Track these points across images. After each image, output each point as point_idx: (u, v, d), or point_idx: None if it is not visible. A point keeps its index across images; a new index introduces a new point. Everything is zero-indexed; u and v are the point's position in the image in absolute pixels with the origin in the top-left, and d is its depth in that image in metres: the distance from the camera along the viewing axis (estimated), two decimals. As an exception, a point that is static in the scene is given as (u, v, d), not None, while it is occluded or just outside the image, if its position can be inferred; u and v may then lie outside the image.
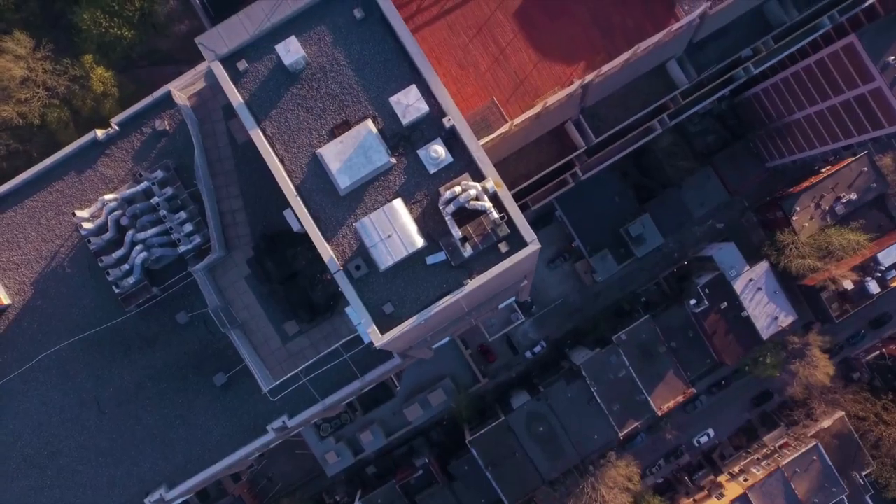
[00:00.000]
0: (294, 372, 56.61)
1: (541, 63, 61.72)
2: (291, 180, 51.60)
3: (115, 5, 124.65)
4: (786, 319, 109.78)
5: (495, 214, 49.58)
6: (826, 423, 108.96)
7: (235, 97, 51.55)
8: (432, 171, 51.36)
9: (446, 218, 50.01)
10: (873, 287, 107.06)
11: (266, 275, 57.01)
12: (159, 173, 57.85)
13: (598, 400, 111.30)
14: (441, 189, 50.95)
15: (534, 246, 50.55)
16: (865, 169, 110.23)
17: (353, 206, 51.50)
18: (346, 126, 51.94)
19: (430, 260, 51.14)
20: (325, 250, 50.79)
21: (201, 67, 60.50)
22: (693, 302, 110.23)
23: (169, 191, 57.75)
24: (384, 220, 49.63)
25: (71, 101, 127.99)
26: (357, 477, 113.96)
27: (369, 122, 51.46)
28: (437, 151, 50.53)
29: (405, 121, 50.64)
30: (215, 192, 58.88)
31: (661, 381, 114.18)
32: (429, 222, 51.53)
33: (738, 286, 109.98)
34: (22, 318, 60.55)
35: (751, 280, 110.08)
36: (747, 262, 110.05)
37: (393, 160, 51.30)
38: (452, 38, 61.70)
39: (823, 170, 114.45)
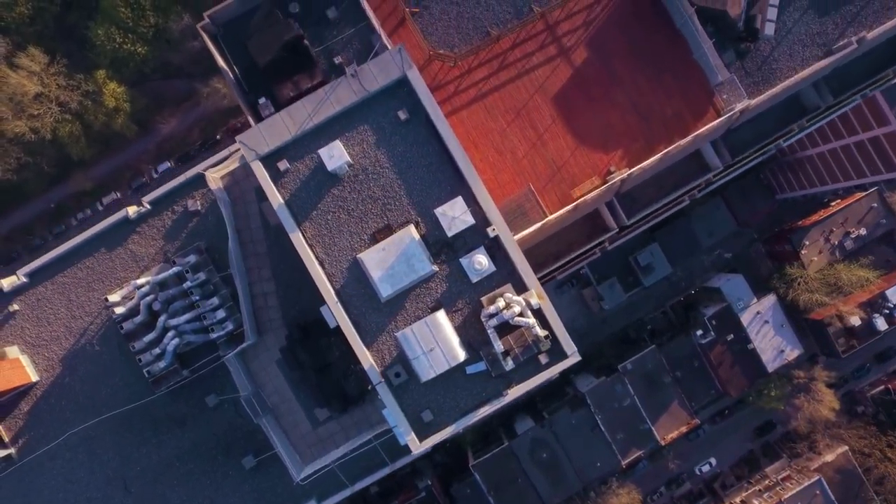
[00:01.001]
0: (325, 461, 55.14)
1: (578, 150, 59.72)
2: (331, 284, 49.85)
3: (129, 21, 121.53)
4: (792, 353, 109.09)
5: (540, 332, 48.03)
6: (829, 458, 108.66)
7: (276, 198, 49.57)
8: (474, 279, 49.74)
9: (488, 331, 48.60)
10: (881, 324, 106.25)
11: (299, 365, 55.35)
12: (192, 258, 55.92)
13: (602, 428, 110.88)
14: (483, 300, 49.43)
15: (574, 358, 49.19)
16: (875, 205, 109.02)
17: (394, 313, 49.88)
18: (388, 230, 50.10)
19: (470, 370, 49.81)
20: (365, 357, 49.29)
21: (235, 148, 58.25)
22: (699, 333, 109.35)
23: (201, 276, 55.88)
24: (427, 332, 48.08)
25: (83, 115, 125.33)
26: (360, 497, 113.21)
27: (412, 228, 49.64)
28: (481, 262, 48.93)
29: (450, 233, 48.97)
30: (247, 274, 57.02)
31: (665, 411, 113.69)
32: (469, 331, 50.04)
33: (745, 318, 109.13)
34: (50, 395, 58.96)
35: (758, 313, 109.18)
36: (755, 294, 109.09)
37: (435, 268, 49.72)
38: (490, 122, 59.51)
39: (833, 203, 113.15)
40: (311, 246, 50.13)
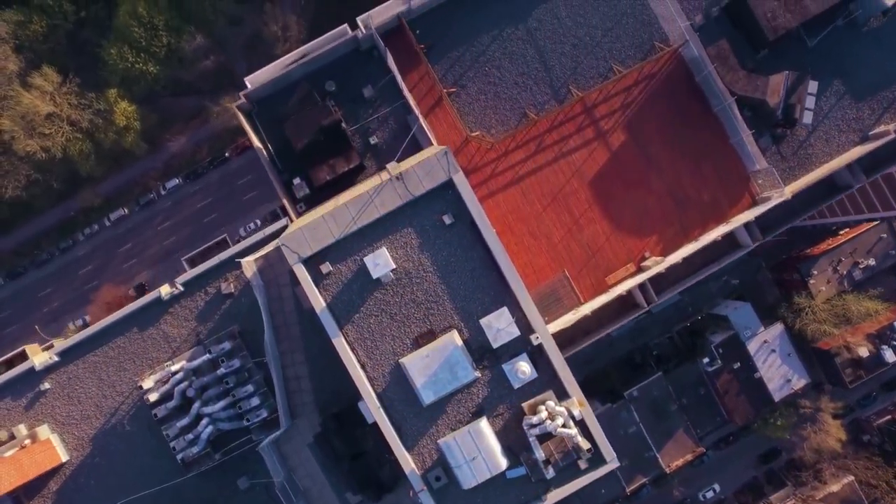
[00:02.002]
0: (358, 550, 54.41)
1: (614, 235, 58.69)
2: (373, 388, 48.92)
3: (142, 41, 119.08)
4: (798, 382, 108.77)
5: (582, 443, 47.25)
6: (835, 488, 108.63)
7: (318, 301, 48.32)
8: (516, 385, 48.93)
9: (530, 439, 47.85)
10: (889, 356, 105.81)
11: (334, 452, 54.36)
12: (226, 345, 54.74)
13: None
14: (525, 406, 48.64)
15: (613, 464, 48.40)
16: (885, 235, 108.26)
17: (435, 418, 49.08)
18: (430, 335, 49.02)
19: (510, 474, 49.21)
20: (406, 462, 48.62)
21: (270, 230, 56.87)
22: (706, 360, 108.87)
23: (236, 363, 54.74)
24: (470, 441, 47.26)
25: (93, 133, 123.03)
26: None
27: (455, 335, 48.57)
28: (524, 371, 48.03)
29: (496, 344, 48.11)
30: (280, 357, 55.74)
31: (671, 439, 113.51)
32: (510, 436, 49.30)
33: (751, 347, 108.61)
34: (79, 475, 57.93)
35: (765, 342, 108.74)
36: (762, 322, 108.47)
37: (477, 374, 48.75)
38: (526, 206, 58.34)
39: (842, 232, 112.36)
40: (353, 349, 49.00)
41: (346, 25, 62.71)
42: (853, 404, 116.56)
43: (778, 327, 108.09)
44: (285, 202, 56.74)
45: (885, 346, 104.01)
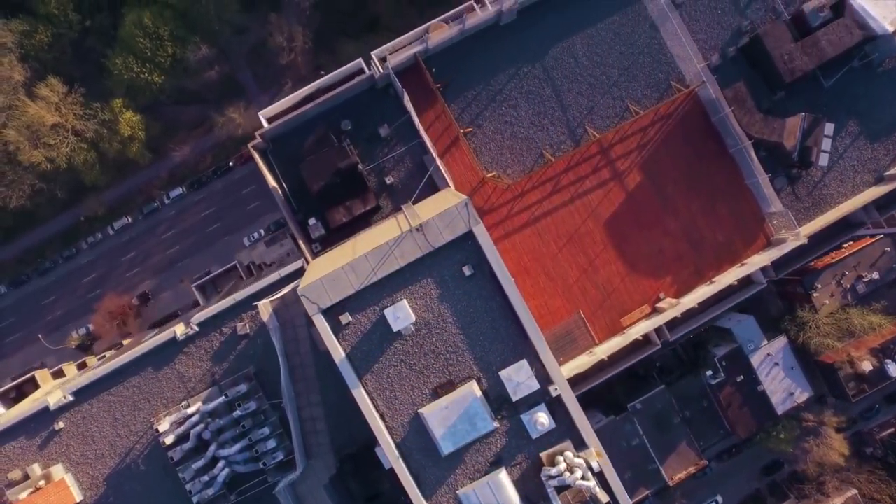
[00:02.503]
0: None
1: (629, 276, 58.42)
2: (392, 437, 48.58)
3: (147, 52, 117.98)
4: (801, 395, 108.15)
5: (600, 496, 47.15)
6: (838, 501, 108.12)
7: (337, 352, 48.02)
8: (535, 436, 48.74)
9: (548, 490, 47.62)
10: (893, 370, 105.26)
11: (349, 494, 54.13)
12: (242, 387, 54.38)
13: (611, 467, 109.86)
14: (543, 456, 48.46)
15: (631, 514, 48.12)
16: (889, 249, 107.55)
17: (454, 467, 48.87)
18: (450, 386, 48.76)
19: (528, 525, 48.55)
20: (424, 511, 47.93)
21: (286, 271, 56.40)
22: (709, 373, 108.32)
23: (252, 405, 54.44)
24: (489, 493, 47.28)
25: (98, 143, 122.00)
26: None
27: (474, 385, 48.35)
28: (542, 421, 48.03)
29: (515, 398, 47.92)
30: (296, 398, 55.41)
31: (674, 452, 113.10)
32: (528, 485, 49.20)
33: (755, 360, 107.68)
34: (94, 515, 57.29)
35: (768, 355, 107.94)
36: (765, 335, 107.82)
37: (496, 424, 48.41)
38: (542, 247, 58.01)
39: (845, 246, 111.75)
40: (372, 399, 48.65)
41: (360, 61, 62.14)
42: (856, 417, 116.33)
43: (781, 340, 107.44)
44: (300, 243, 56.15)
45: (888, 361, 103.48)
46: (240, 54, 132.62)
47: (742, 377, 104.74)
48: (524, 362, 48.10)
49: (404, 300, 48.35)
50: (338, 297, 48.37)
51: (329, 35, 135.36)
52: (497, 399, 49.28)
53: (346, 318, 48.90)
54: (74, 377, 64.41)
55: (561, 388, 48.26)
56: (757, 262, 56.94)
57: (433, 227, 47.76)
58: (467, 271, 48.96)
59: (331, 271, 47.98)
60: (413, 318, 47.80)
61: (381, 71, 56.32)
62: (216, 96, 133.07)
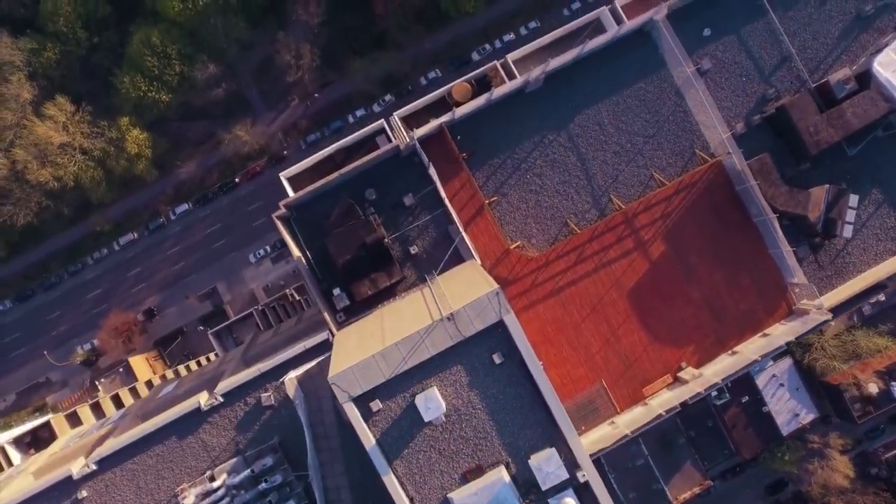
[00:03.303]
0: None
1: (651, 345, 58.34)
2: (421, 523, 48.28)
3: (155, 70, 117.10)
4: (807, 416, 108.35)
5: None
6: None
7: (368, 439, 47.96)
8: (563, 520, 48.41)
9: (576, 574, 47.44)
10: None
11: (374, 568, 54.16)
12: (268, 460, 54.32)
13: (615, 487, 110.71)
14: (571, 542, 48.14)
15: None
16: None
17: (482, 551, 48.52)
18: (478, 471, 48.88)
19: None
20: None
21: (311, 343, 56.23)
22: (714, 394, 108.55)
23: (277, 478, 54.39)
24: (517, 579, 46.92)
25: (105, 161, 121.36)
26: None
27: (503, 470, 48.42)
28: (571, 507, 47.61)
29: (544, 486, 47.98)
30: (320, 468, 55.34)
31: (679, 472, 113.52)
32: (555, 568, 48.86)
33: (760, 381, 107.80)
34: (117, 584, 57.27)
35: (774, 376, 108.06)
36: (771, 357, 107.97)
37: (525, 509, 48.22)
38: (565, 317, 57.82)
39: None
40: (402, 485, 48.51)
41: (383, 122, 61.71)
42: (861, 437, 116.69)
43: (786, 361, 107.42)
44: (325, 314, 55.74)
45: (894, 383, 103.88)
46: (246, 71, 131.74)
47: (747, 398, 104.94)
48: (553, 451, 48.21)
49: (434, 387, 48.26)
50: (369, 386, 48.21)
51: (336, 51, 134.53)
52: (525, 483, 49.35)
53: (376, 405, 48.78)
54: (93, 437, 64.07)
55: (589, 475, 48.39)
56: (779, 334, 56.68)
57: (464, 317, 47.50)
58: (497, 359, 48.82)
59: (361, 360, 47.74)
60: (444, 406, 47.76)
61: (407, 139, 55.64)
62: (222, 112, 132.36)
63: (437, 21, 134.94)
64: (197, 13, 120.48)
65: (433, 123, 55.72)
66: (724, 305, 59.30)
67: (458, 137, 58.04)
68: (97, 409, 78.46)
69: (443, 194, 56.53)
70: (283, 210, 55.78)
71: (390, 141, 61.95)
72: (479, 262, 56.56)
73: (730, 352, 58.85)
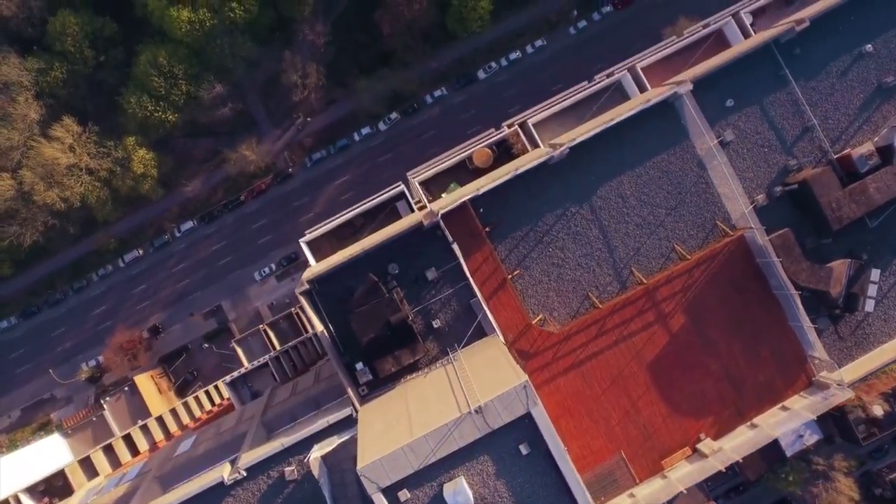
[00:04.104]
0: None
1: (670, 417, 58.52)
2: None
3: (161, 90, 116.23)
4: (811, 438, 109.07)
5: None
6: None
7: (393, 524, 47.77)
8: None
9: None
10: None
11: None
12: (293, 537, 54.14)
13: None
14: None
15: None
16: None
17: None
18: (504, 559, 48.67)
19: None
20: None
21: (334, 419, 56.26)
22: None
23: (301, 554, 54.14)
24: None
25: (111, 181, 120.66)
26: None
27: (528, 559, 48.27)
28: None
29: (571, 577, 47.63)
30: (343, 541, 55.48)
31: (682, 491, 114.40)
32: None
33: None
34: None
35: None
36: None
37: None
38: (585, 389, 57.92)
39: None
40: (427, 572, 48.59)
41: (402, 186, 61.39)
42: (864, 457, 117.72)
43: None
44: (348, 388, 55.67)
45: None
46: (252, 88, 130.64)
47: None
48: (581, 551, 48.16)
49: (462, 476, 48.36)
50: (397, 477, 48.31)
51: (342, 68, 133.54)
52: (550, 574, 49.44)
53: (404, 494, 48.90)
54: (112, 497, 63.95)
55: (614, 565, 48.42)
56: (799, 409, 56.86)
57: (492, 410, 47.54)
58: (524, 449, 48.95)
59: (390, 451, 47.71)
60: (471, 496, 47.94)
61: (431, 219, 55.33)
62: (228, 129, 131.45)
63: (443, 39, 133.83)
64: (204, 33, 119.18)
65: (457, 197, 55.23)
66: (743, 376, 59.41)
67: (481, 210, 57.75)
68: (110, 453, 78.17)
69: (466, 270, 56.16)
70: (305, 286, 55.20)
71: (410, 207, 61.51)
72: (501, 337, 56.31)
73: (749, 423, 58.68)
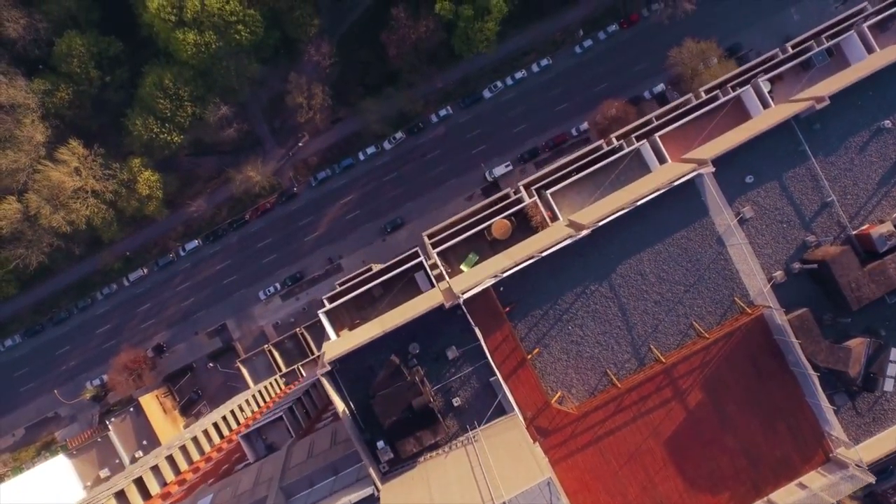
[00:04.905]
0: None
1: (687, 493, 59.00)
2: None
3: (167, 112, 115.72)
4: None
5: None
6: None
7: None
8: None
9: None
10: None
11: None
12: None
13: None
14: None
15: None
16: None
17: None
18: None
19: None
20: None
21: (355, 498, 56.41)
22: None
23: None
24: None
25: (116, 203, 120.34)
26: None
27: None
28: None
29: None
30: None
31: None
32: None
33: None
34: None
35: None
36: None
37: None
38: (603, 465, 58.20)
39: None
40: None
41: (418, 250, 61.21)
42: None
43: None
44: (369, 468, 55.79)
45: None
46: (256, 107, 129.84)
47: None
48: None
49: (486, 580, 48.42)
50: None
51: (347, 86, 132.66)
52: None
53: (426, 593, 48.98)
54: None
55: None
56: (818, 488, 57.31)
57: (517, 507, 47.59)
58: (552, 550, 49.02)
59: (411, 546, 47.79)
60: (494, 590, 48.04)
61: (452, 301, 55.26)
62: (233, 148, 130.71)
63: (448, 59, 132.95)
64: (209, 55, 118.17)
65: (478, 281, 55.10)
66: (760, 452, 59.77)
67: (501, 289, 57.69)
68: (122, 499, 78.38)
69: (485, 349, 56.21)
70: (327, 367, 55.16)
71: (430, 280, 61.44)
72: (520, 415, 56.51)
73: (765, 499, 59.11)
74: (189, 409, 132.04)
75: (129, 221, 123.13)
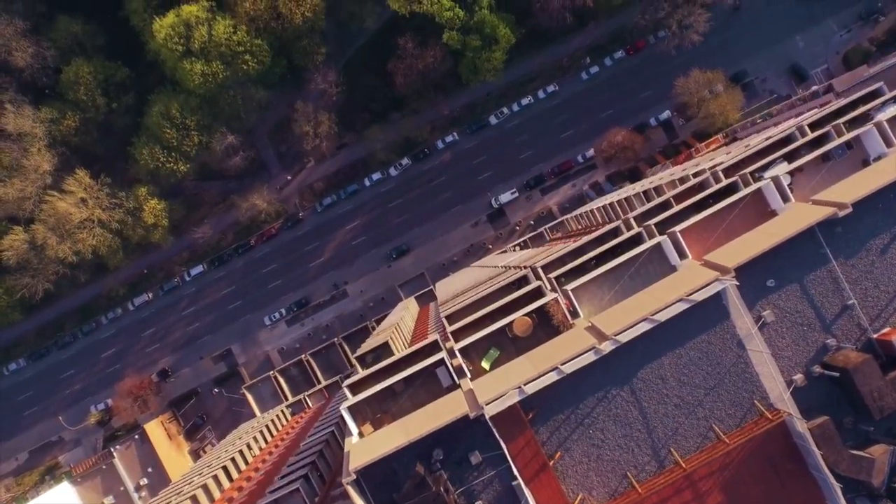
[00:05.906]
0: None
1: (704, 587, 59.65)
2: None
3: (173, 141, 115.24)
4: None
5: None
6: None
7: None
8: None
9: None
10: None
11: None
12: None
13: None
14: None
15: None
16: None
17: None
18: None
19: None
20: None
21: None
22: None
23: None
24: None
25: (122, 231, 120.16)
26: None
27: None
28: None
29: None
30: None
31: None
32: None
33: None
34: None
35: None
36: None
37: None
38: (623, 564, 58.78)
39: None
40: None
41: (442, 356, 61.18)
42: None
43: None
44: (392, 572, 56.31)
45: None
46: (262, 132, 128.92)
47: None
48: None
49: None
50: None
51: (353, 112, 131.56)
52: None
53: None
54: None
55: None
56: None
57: None
58: None
59: None
60: None
61: (477, 412, 55.48)
62: (238, 173, 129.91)
63: (455, 86, 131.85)
64: (216, 85, 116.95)
65: (503, 395, 55.29)
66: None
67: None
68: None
69: (508, 455, 56.56)
70: (353, 476, 55.44)
71: (451, 377, 61.62)
72: (542, 523, 56.89)
73: None
74: (194, 433, 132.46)
75: (134, 248, 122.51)
